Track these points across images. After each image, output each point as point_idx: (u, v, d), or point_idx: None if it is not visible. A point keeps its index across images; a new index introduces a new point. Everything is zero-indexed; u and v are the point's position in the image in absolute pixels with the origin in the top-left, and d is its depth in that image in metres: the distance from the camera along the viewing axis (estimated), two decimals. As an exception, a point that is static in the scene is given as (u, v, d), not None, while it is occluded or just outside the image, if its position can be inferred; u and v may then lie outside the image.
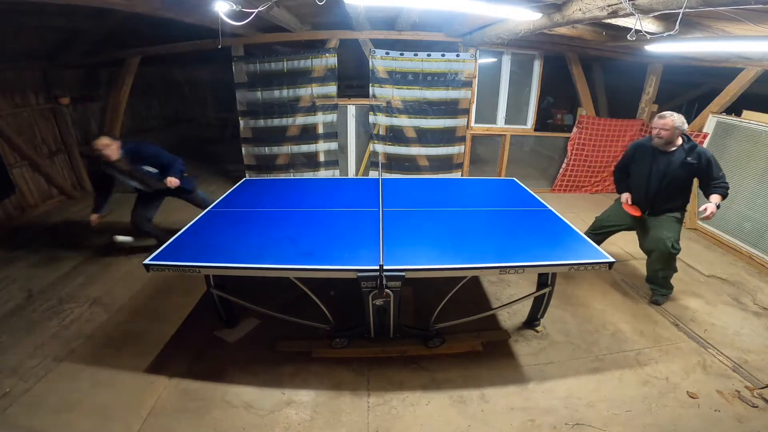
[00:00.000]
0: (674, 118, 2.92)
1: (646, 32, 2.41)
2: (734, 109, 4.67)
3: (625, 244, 4.25)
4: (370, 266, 2.27)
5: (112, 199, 3.98)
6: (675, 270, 3.31)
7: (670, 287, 3.41)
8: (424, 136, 5.81)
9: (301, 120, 5.65)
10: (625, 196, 3.39)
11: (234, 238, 2.71)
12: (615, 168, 3.53)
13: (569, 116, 7.87)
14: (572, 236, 2.78)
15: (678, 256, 3.18)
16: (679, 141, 3.03)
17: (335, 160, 5.99)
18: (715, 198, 2.97)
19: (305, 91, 5.51)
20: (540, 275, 2.81)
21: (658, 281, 3.34)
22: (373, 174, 5.90)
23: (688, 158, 2.96)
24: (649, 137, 3.11)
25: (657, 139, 3.01)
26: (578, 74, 5.82)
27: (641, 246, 3.38)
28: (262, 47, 5.54)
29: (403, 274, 2.26)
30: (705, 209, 2.96)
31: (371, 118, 5.71)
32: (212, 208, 3.27)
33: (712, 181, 2.98)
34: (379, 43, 5.41)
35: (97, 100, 6.29)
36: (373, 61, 5.40)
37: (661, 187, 3.10)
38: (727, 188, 2.98)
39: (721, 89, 4.81)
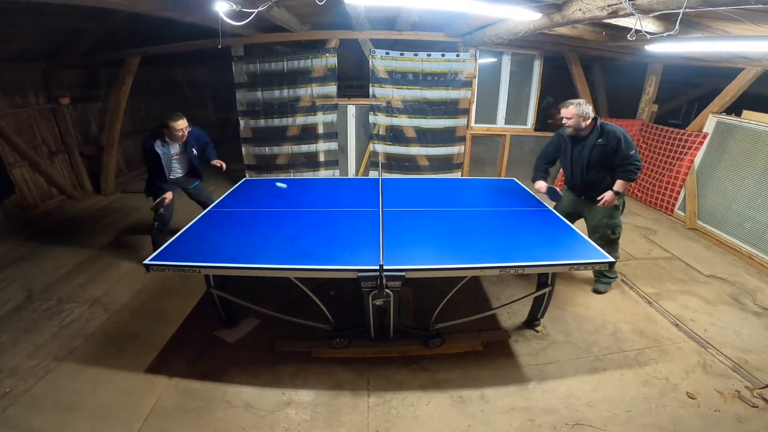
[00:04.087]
0: (575, 105, 2.97)
1: (646, 32, 2.41)
2: (734, 109, 4.67)
3: (625, 244, 4.25)
4: (370, 266, 2.27)
5: (117, 198, 3.96)
6: (617, 257, 3.37)
7: (613, 275, 3.50)
8: (424, 136, 5.81)
9: (301, 120, 5.65)
10: (540, 185, 3.38)
11: (234, 238, 2.71)
12: (538, 156, 3.53)
13: (569, 116, 7.86)
14: (572, 236, 2.78)
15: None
16: (588, 124, 3.03)
17: (335, 160, 5.99)
18: (617, 185, 3.04)
19: (305, 91, 5.51)
20: (540, 275, 2.81)
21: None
22: (373, 174, 5.90)
23: (599, 140, 3.00)
24: (564, 127, 3.14)
25: (567, 128, 3.08)
26: (578, 74, 5.82)
27: (588, 232, 3.37)
28: (262, 47, 5.54)
29: (403, 274, 2.26)
30: (602, 198, 3.08)
31: (371, 118, 5.71)
32: (212, 208, 3.28)
33: (622, 161, 2.97)
34: (379, 43, 5.40)
35: (97, 100, 6.28)
36: (373, 61, 5.40)
37: (584, 173, 3.15)
38: (636, 169, 2.97)
39: (721, 89, 4.81)
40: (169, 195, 3.65)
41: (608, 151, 2.99)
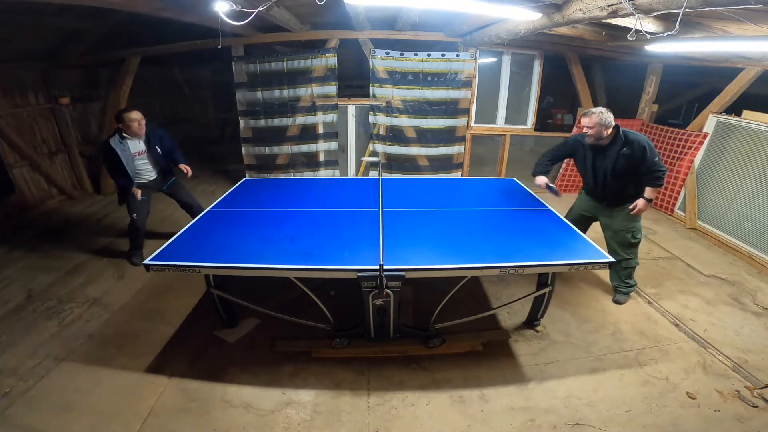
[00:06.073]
0: (597, 115, 2.90)
1: (646, 32, 2.41)
2: (734, 109, 4.67)
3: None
4: (370, 266, 2.27)
5: (116, 198, 3.92)
6: (637, 262, 3.32)
7: (633, 282, 3.41)
8: (424, 136, 5.81)
9: (301, 120, 5.65)
10: (540, 180, 3.32)
11: (234, 238, 2.71)
12: (544, 152, 3.46)
13: (569, 116, 7.87)
14: (572, 236, 2.78)
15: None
16: (609, 132, 2.96)
17: (335, 160, 6.00)
18: (648, 192, 3.02)
19: (305, 91, 5.51)
20: (540, 275, 2.81)
21: (620, 274, 3.35)
22: (373, 174, 5.90)
23: (623, 150, 2.94)
24: (584, 134, 3.07)
25: (587, 137, 3.02)
26: (578, 74, 5.82)
27: (605, 237, 3.35)
28: (262, 47, 5.53)
29: (403, 274, 2.26)
30: (634, 206, 3.06)
31: (371, 118, 5.71)
32: (212, 208, 3.27)
33: (648, 169, 2.94)
34: (379, 43, 5.40)
35: (97, 100, 6.28)
36: (373, 61, 5.40)
37: (608, 181, 3.10)
38: (663, 175, 2.96)
39: (721, 89, 4.81)
40: (137, 190, 3.64)
41: (634, 160, 2.93)
